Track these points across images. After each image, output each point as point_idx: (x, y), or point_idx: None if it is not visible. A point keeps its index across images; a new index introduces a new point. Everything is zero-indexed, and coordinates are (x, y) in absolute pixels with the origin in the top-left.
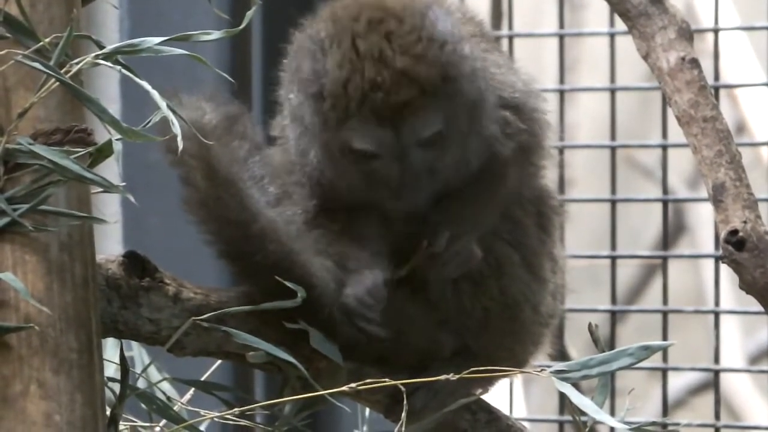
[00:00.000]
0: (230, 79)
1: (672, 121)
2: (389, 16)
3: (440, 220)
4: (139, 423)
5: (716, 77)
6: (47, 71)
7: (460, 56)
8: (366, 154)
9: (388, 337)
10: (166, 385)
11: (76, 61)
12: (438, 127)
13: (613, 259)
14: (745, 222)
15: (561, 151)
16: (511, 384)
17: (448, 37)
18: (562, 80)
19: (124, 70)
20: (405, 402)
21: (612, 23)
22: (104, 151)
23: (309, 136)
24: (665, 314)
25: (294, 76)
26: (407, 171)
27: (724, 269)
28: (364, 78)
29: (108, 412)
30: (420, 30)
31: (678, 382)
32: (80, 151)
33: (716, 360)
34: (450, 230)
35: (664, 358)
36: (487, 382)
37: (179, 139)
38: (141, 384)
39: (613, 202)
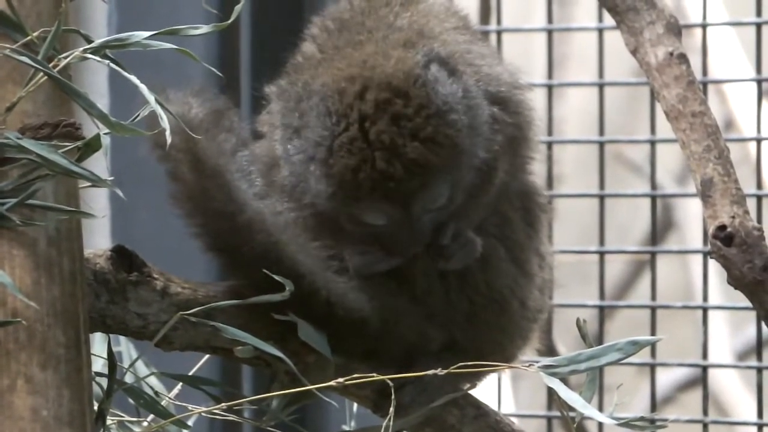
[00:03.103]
0: (219, 73)
1: (660, 117)
2: (395, 96)
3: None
4: (127, 418)
5: (704, 73)
6: (35, 65)
7: (464, 113)
8: (374, 225)
9: (377, 328)
10: (153, 380)
11: (64, 55)
12: (447, 195)
13: (602, 254)
14: (733, 217)
15: (549, 146)
16: (499, 379)
17: (451, 101)
18: (550, 75)
19: (112, 65)
20: (393, 397)
21: (600, 18)
22: (92, 146)
23: (308, 188)
24: (653, 310)
25: (298, 128)
26: (415, 234)
27: (713, 265)
28: (375, 168)
29: (95, 407)
30: (427, 107)
31: (666, 378)
32: (68, 146)
33: (704, 356)
34: (454, 225)
35: (653, 354)
36: (475, 378)
37: (168, 132)
38: (128, 379)
39: (602, 198)
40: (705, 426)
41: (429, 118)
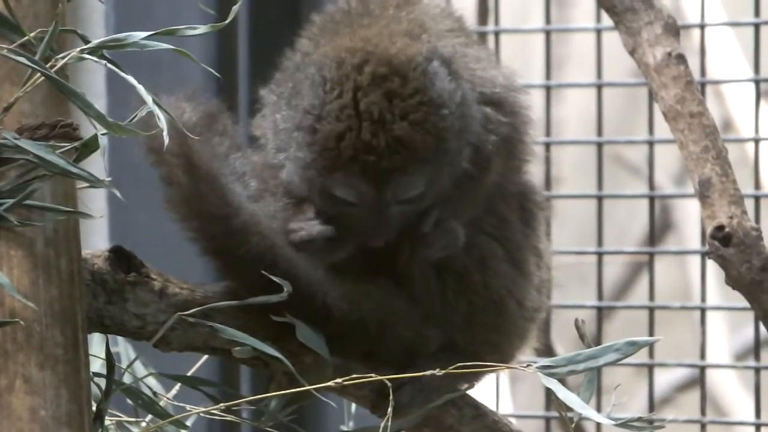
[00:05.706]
0: (216, 74)
1: (659, 118)
2: (393, 73)
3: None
4: (125, 418)
5: (702, 73)
6: (32, 66)
7: (456, 110)
8: (345, 201)
9: (375, 329)
10: (152, 381)
11: (61, 55)
12: (421, 188)
13: (600, 255)
14: (731, 217)
15: (547, 147)
16: (497, 379)
17: (446, 97)
18: (548, 76)
19: (109, 65)
20: (391, 397)
21: (599, 19)
22: (90, 146)
23: (288, 158)
24: (652, 310)
25: (288, 98)
26: (382, 221)
27: (711, 265)
28: (360, 138)
29: (94, 408)
30: (423, 92)
31: (664, 379)
32: (66, 146)
33: (702, 356)
34: (437, 212)
35: (651, 354)
36: (473, 378)
37: (165, 134)
38: (127, 379)
39: (600, 199)
40: (703, 426)
41: (422, 104)
